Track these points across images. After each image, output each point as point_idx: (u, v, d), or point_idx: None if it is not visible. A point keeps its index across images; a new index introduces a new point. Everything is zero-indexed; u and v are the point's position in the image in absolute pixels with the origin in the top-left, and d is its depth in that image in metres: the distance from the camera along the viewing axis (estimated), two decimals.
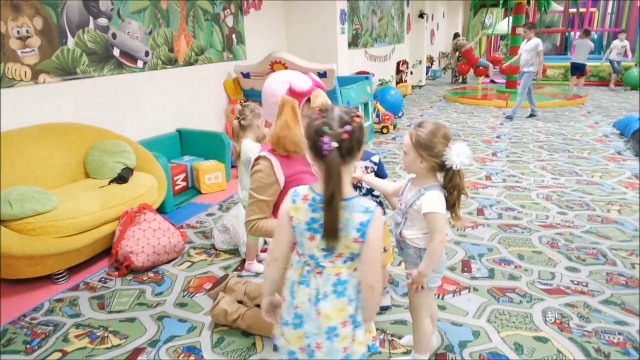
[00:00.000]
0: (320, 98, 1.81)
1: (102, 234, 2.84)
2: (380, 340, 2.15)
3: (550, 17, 16.46)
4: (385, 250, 2.14)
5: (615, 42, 10.56)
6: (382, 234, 1.34)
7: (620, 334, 2.14)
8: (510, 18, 10.10)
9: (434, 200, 1.62)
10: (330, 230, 1.24)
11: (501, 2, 10.20)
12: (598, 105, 8.59)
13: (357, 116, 1.27)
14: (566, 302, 2.39)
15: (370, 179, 1.93)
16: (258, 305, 2.25)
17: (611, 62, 10.64)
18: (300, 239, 1.34)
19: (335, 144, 1.21)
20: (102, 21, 3.68)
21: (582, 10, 13.99)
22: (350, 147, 1.24)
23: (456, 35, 7.04)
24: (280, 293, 1.46)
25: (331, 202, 1.22)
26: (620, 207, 3.65)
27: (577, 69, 9.00)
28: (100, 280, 2.78)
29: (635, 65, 11.00)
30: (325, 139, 1.21)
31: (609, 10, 16.29)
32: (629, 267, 2.73)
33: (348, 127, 1.23)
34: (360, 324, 1.35)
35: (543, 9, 10.29)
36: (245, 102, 2.66)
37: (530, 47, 6.94)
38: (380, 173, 2.13)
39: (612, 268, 2.73)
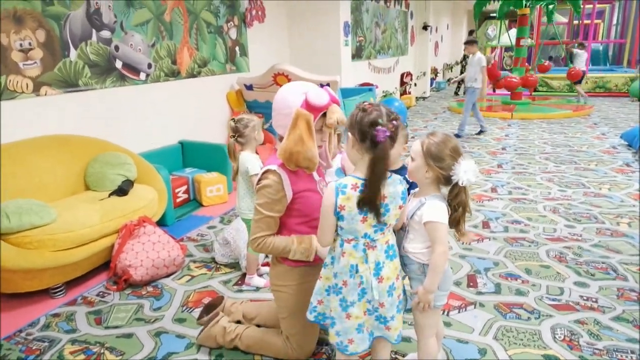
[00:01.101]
0: (336, 115, 1.74)
1: (101, 248, 2.80)
2: None
3: (554, 29, 16.47)
4: None
5: None
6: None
7: (632, 352, 2.06)
8: (514, 30, 10.08)
9: (435, 209, 1.59)
10: (370, 203, 1.48)
11: (499, 14, 10.13)
12: (605, 117, 8.53)
13: (397, 115, 1.52)
14: (576, 319, 2.32)
15: None
16: (258, 325, 2.19)
17: None
18: (350, 225, 1.54)
19: (388, 133, 1.44)
20: (105, 34, 3.69)
21: (586, 22, 13.98)
22: (394, 138, 1.48)
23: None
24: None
25: (377, 184, 1.46)
26: (630, 220, 3.57)
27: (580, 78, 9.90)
28: (98, 295, 2.73)
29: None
30: (382, 129, 1.43)
31: (614, 22, 16.28)
32: None
33: (395, 122, 1.48)
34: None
35: (548, 20, 10.10)
36: (236, 117, 2.60)
37: (474, 62, 6.68)
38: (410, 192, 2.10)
39: (623, 283, 2.65)
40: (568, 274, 2.77)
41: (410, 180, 2.04)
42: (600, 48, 14.85)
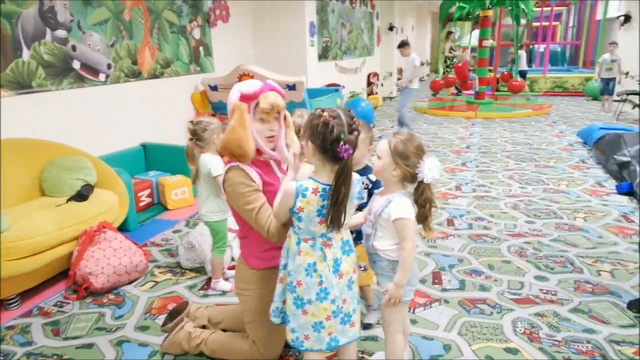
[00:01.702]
0: (269, 99, 1.73)
1: (58, 255, 2.69)
2: None
3: (513, 30, 17.00)
4: (365, 270, 2.12)
5: (605, 57, 9.07)
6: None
7: (588, 342, 2.14)
8: (477, 31, 10.34)
9: (402, 206, 1.62)
10: (337, 222, 1.50)
11: (459, 15, 10.32)
12: (562, 115, 8.86)
13: (357, 121, 1.51)
14: (536, 312, 2.39)
15: None
16: (224, 330, 2.15)
17: (602, 80, 9.18)
18: (307, 226, 1.55)
19: (351, 151, 1.45)
20: (61, 33, 3.55)
21: (544, 24, 14.48)
22: (355, 149, 1.48)
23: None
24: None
25: (342, 200, 1.47)
26: (586, 214, 3.72)
27: (522, 76, 11.05)
28: (55, 305, 2.62)
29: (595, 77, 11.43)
30: (345, 146, 1.43)
31: (570, 24, 16.95)
32: (594, 274, 2.76)
33: (356, 133, 1.47)
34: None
35: (517, 22, 10.27)
36: (195, 120, 2.57)
37: (409, 63, 6.89)
38: (373, 192, 2.10)
39: (579, 276, 2.75)
40: (528, 269, 2.85)
41: (375, 179, 2.07)
42: (558, 49, 15.42)
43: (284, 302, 1.69)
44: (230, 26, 5.90)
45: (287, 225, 1.65)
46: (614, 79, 9.01)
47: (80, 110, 3.77)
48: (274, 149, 1.80)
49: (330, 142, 1.44)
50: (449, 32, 14.15)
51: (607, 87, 9.11)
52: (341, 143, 1.42)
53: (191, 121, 2.56)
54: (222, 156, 2.56)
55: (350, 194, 1.53)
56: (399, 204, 1.62)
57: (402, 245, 1.64)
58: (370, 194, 2.07)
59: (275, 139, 1.79)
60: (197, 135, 2.51)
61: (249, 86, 1.74)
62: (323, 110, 1.48)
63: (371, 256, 1.77)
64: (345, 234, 1.63)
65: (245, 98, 1.73)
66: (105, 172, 3.39)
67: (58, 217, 2.74)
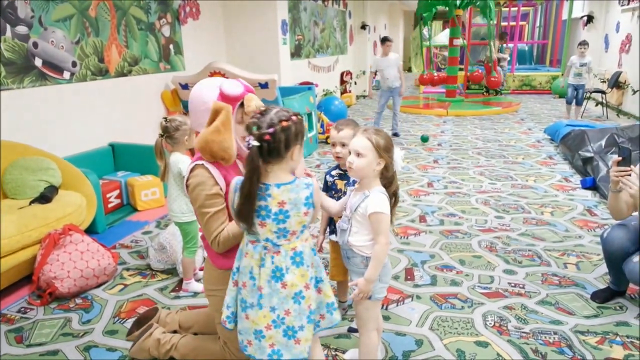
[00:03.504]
0: (254, 102, 1.72)
1: (20, 260, 2.59)
2: (324, 356, 2.08)
3: (484, 29, 17.36)
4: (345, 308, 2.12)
5: (573, 59, 7.70)
6: (319, 192, 1.55)
7: (555, 333, 2.20)
8: (447, 30, 10.51)
9: (380, 200, 1.64)
10: (243, 218, 1.42)
11: (417, 13, 10.38)
12: (530, 113, 9.09)
13: (287, 120, 1.41)
14: (505, 305, 2.44)
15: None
16: (195, 333, 2.11)
17: (569, 86, 7.76)
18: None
19: (256, 143, 1.37)
20: (21, 29, 3.42)
21: (512, 23, 14.83)
22: (272, 147, 1.39)
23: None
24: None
25: (242, 191, 1.40)
26: (552, 209, 3.83)
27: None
28: (19, 311, 2.52)
29: (562, 74, 11.78)
30: (249, 138, 1.38)
31: (537, 24, 17.41)
32: (561, 267, 2.84)
33: (271, 130, 1.38)
34: (322, 279, 1.57)
35: (488, 19, 10.40)
36: (168, 117, 2.51)
37: (392, 62, 6.61)
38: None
39: (546, 269, 2.83)
40: (498, 263, 2.91)
41: (356, 177, 2.06)
42: (526, 48, 15.81)
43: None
44: (201, 24, 5.81)
45: (238, 236, 1.63)
46: (583, 86, 7.63)
47: (43, 109, 3.64)
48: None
49: (247, 131, 1.42)
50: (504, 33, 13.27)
51: (574, 95, 7.71)
52: (248, 136, 1.39)
53: (165, 118, 2.50)
54: (192, 155, 2.52)
55: (295, 198, 1.44)
56: (376, 199, 1.64)
57: (376, 240, 1.65)
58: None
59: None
60: (168, 132, 2.46)
61: (232, 88, 1.69)
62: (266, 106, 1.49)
63: (345, 252, 1.77)
64: (300, 246, 1.49)
65: (228, 99, 1.67)
66: (71, 173, 3.29)
67: (20, 220, 2.64)
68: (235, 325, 1.59)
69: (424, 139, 6.50)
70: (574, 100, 7.77)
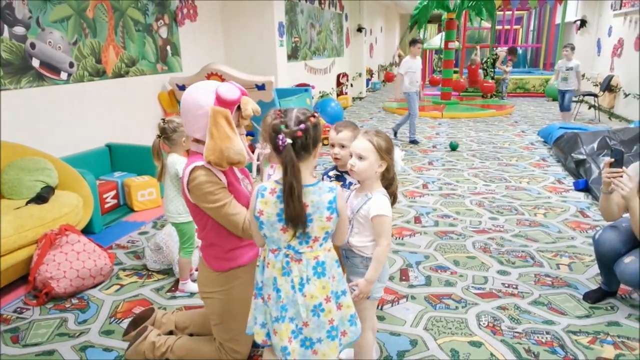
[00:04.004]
0: (250, 105, 1.75)
1: (17, 260, 2.60)
2: None
3: (480, 33, 17.48)
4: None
5: (560, 63, 7.34)
6: (345, 203, 1.52)
7: (547, 333, 2.23)
8: (443, 33, 10.57)
9: (383, 203, 1.66)
10: (296, 217, 1.38)
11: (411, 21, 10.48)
12: (524, 115, 9.15)
13: (313, 116, 1.43)
14: (498, 305, 2.47)
15: None
16: (191, 334, 2.12)
17: (559, 92, 7.50)
18: (271, 233, 1.45)
19: (289, 141, 1.36)
20: (19, 30, 3.42)
21: (506, 27, 14.94)
22: (305, 144, 1.39)
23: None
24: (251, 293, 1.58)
25: (291, 193, 1.36)
26: (545, 210, 3.87)
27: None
28: (15, 311, 2.53)
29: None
30: (281, 136, 1.35)
31: (531, 28, 17.55)
32: (554, 267, 2.88)
33: (302, 126, 1.37)
34: (345, 291, 1.53)
35: (472, 23, 10.60)
36: (166, 118, 2.53)
37: (417, 66, 6.49)
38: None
39: (539, 269, 2.86)
40: (492, 264, 2.94)
41: (358, 179, 2.09)
42: (520, 52, 15.93)
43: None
44: (198, 25, 5.82)
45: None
46: (571, 92, 7.25)
47: (41, 110, 3.64)
48: None
49: (274, 137, 1.38)
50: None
51: (562, 100, 7.41)
52: (280, 135, 1.36)
53: (162, 119, 2.52)
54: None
55: (318, 201, 1.41)
56: (379, 201, 1.66)
57: (378, 242, 1.67)
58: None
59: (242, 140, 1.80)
60: (165, 133, 2.47)
61: (230, 92, 1.69)
62: (279, 109, 1.48)
63: (344, 252, 1.79)
64: (322, 255, 1.47)
65: (226, 103, 1.68)
66: (68, 173, 3.30)
67: (17, 221, 2.65)
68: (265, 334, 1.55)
69: (454, 147, 6.16)
70: (562, 106, 7.50)
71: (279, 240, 1.45)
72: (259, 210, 1.45)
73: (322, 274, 1.46)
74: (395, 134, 7.02)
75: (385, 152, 1.67)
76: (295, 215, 1.38)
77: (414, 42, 6.60)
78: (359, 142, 1.68)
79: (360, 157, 1.65)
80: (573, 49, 7.24)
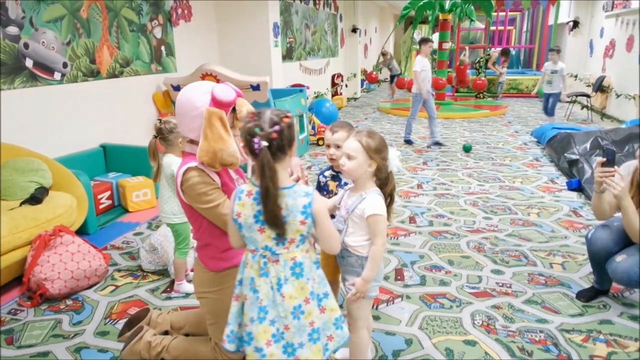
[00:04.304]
0: (245, 107, 1.75)
1: (11, 261, 2.59)
2: None
3: (473, 34, 17.57)
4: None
5: (546, 65, 7.10)
6: (325, 209, 1.47)
7: (541, 331, 2.25)
8: (437, 34, 10.62)
9: (377, 203, 1.67)
10: (273, 219, 1.38)
11: (419, 19, 10.56)
12: (518, 116, 9.21)
13: (287, 117, 1.41)
14: (492, 304, 2.49)
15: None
16: (186, 334, 2.12)
17: (544, 95, 7.25)
18: (249, 234, 1.46)
19: (265, 143, 1.35)
20: (12, 30, 3.41)
21: (500, 28, 15.03)
22: (280, 145, 1.38)
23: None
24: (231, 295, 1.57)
25: (267, 195, 1.36)
26: (539, 210, 3.90)
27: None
28: (9, 313, 2.52)
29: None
30: (256, 139, 1.35)
31: (524, 29, 17.66)
32: (547, 267, 2.91)
33: (277, 127, 1.37)
34: (328, 294, 1.53)
35: (462, 23, 10.68)
36: (163, 119, 2.52)
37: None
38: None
39: (533, 268, 2.89)
40: (486, 263, 2.97)
41: (349, 179, 2.10)
42: (513, 52, 16.03)
43: (240, 325, 1.55)
44: (193, 26, 5.81)
45: None
46: (555, 95, 7.02)
47: (34, 110, 3.62)
48: None
49: (249, 140, 1.37)
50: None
51: (547, 103, 7.18)
52: (255, 138, 1.35)
53: (159, 119, 2.52)
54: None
55: (292, 204, 1.40)
56: (373, 201, 1.67)
57: (374, 241, 1.68)
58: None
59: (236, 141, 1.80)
60: (162, 134, 2.47)
61: (225, 94, 1.69)
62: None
63: (340, 252, 1.78)
64: (300, 256, 1.46)
65: (221, 105, 1.67)
66: (62, 174, 3.28)
67: (11, 222, 2.64)
68: (235, 345, 1.54)
69: (467, 149, 6.06)
70: (545, 110, 7.29)
71: (256, 241, 1.46)
72: (237, 213, 1.45)
73: (300, 275, 1.46)
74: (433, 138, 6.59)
75: (374, 152, 1.67)
76: (271, 218, 1.38)
77: (425, 40, 6.41)
78: (349, 142, 1.71)
79: (349, 157, 1.68)
80: (559, 52, 7.07)
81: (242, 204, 1.45)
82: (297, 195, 1.42)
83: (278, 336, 1.45)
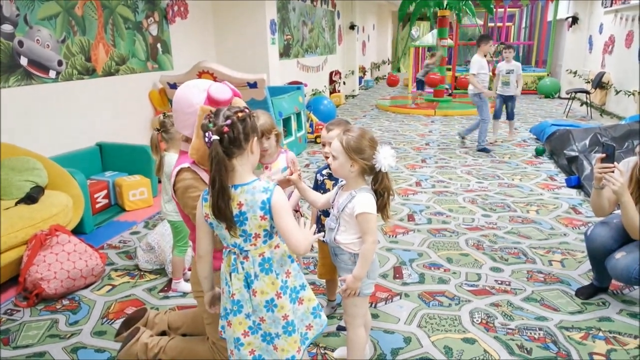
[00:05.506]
0: (242, 105, 1.73)
1: (7, 261, 2.57)
2: (313, 354, 2.10)
3: (472, 30, 17.52)
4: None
5: (499, 66, 6.19)
6: (284, 205, 1.44)
7: (540, 329, 2.24)
8: (435, 31, 10.58)
9: (366, 201, 1.65)
10: (219, 211, 1.37)
11: (418, 15, 10.53)
12: (517, 112, 9.16)
13: (242, 111, 1.41)
14: (491, 302, 2.48)
15: (303, 187, 1.88)
16: (184, 335, 2.11)
17: (498, 97, 6.30)
18: (220, 232, 1.48)
19: (215, 137, 1.35)
20: (7, 28, 3.37)
21: (499, 24, 15.00)
22: (233, 138, 1.37)
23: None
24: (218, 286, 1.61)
25: (213, 186, 1.36)
26: (538, 207, 3.88)
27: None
28: (5, 313, 2.50)
29: (548, 74, 11.94)
30: (208, 133, 1.36)
31: (523, 25, 17.62)
32: (546, 264, 2.89)
33: (228, 121, 1.36)
34: (305, 285, 1.56)
35: (459, 20, 10.59)
36: (168, 113, 2.51)
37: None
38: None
39: (532, 266, 2.87)
40: (485, 261, 2.95)
41: (337, 177, 2.08)
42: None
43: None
44: (189, 23, 5.78)
45: None
46: (512, 98, 6.23)
47: (29, 109, 3.60)
48: None
49: (202, 136, 1.38)
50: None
51: (500, 107, 6.33)
52: (207, 132, 1.36)
53: (163, 113, 2.51)
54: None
55: (251, 200, 1.40)
56: (362, 199, 1.65)
57: (364, 239, 1.67)
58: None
59: None
60: (164, 127, 2.46)
61: (221, 92, 1.66)
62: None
63: (333, 249, 1.79)
64: (268, 252, 1.48)
65: (217, 103, 1.64)
66: (58, 173, 3.26)
67: (6, 221, 2.61)
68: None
69: (540, 152, 5.64)
70: (503, 114, 6.47)
71: (226, 239, 1.48)
72: (205, 214, 1.46)
73: (270, 270, 1.48)
74: (462, 138, 6.39)
75: (354, 153, 1.64)
76: (217, 210, 1.37)
77: (485, 39, 5.94)
78: (334, 141, 1.70)
79: (334, 157, 1.68)
80: (514, 49, 6.41)
81: (208, 205, 1.43)
82: (256, 191, 1.41)
83: (255, 327, 1.50)
